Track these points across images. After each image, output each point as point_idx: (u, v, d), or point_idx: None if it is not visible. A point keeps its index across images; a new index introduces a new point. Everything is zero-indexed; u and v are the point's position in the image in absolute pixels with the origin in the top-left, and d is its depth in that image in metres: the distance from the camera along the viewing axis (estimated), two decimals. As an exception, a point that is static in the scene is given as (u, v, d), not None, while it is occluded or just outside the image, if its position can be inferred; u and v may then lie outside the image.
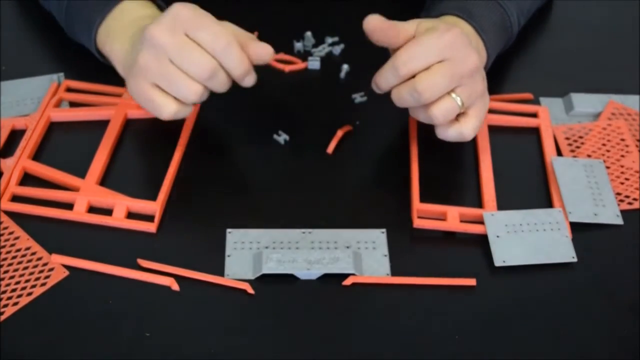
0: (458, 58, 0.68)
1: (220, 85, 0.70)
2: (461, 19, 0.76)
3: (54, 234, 0.69)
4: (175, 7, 0.68)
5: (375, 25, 0.70)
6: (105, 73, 0.83)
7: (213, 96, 0.81)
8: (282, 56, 0.87)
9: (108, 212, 0.71)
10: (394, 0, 0.94)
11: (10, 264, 0.66)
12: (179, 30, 0.67)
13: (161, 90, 0.69)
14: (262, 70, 0.86)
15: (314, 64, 0.86)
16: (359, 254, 0.68)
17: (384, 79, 0.70)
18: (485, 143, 0.78)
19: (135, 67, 0.70)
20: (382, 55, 0.88)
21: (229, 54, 0.68)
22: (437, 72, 0.68)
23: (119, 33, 0.76)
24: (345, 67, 0.86)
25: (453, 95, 0.69)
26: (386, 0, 0.94)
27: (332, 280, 0.66)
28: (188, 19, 0.67)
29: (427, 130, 0.79)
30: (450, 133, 0.71)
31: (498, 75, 0.87)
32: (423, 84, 0.68)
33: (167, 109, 0.70)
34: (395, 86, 0.70)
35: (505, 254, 0.68)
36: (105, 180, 0.74)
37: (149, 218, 0.70)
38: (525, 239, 0.69)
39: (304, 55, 0.88)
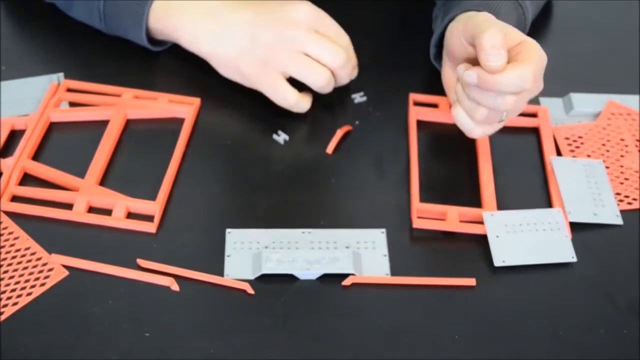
0: (539, 82, 0.69)
1: (346, 75, 0.78)
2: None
3: (54, 234, 0.69)
4: (303, 8, 0.76)
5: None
6: (105, 73, 0.83)
7: (213, 96, 0.82)
8: (282, 56, 0.87)
9: (108, 212, 0.71)
10: (393, 1, 0.94)
11: (10, 264, 0.66)
12: (311, 27, 0.76)
13: (286, 80, 0.77)
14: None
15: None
16: (359, 254, 0.68)
17: (509, 84, 0.66)
18: (485, 143, 0.78)
19: (263, 57, 0.77)
20: (381, 55, 0.88)
21: (351, 49, 0.79)
22: (526, 98, 0.69)
23: (182, 7, 0.78)
24: (345, 67, 0.86)
25: (504, 113, 0.69)
26: (385, 1, 0.94)
27: (332, 280, 0.66)
28: (316, 17, 0.77)
29: (427, 130, 0.79)
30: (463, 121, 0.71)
31: (498, 75, 0.87)
32: (515, 99, 0.67)
33: (291, 97, 0.77)
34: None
35: (505, 254, 0.68)
36: (105, 180, 0.74)
37: (149, 218, 0.70)
38: (524, 239, 0.69)
39: (304, 55, 0.87)
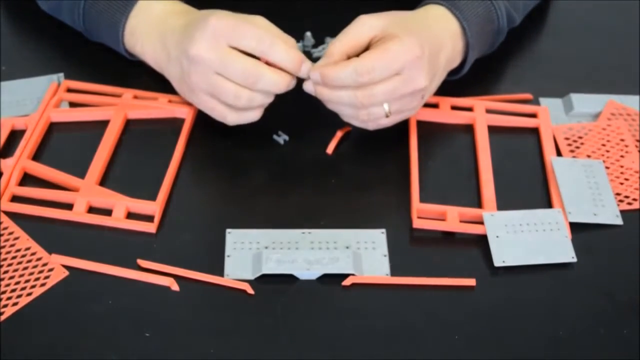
0: (408, 77, 0.70)
1: (272, 85, 0.71)
2: (444, 8, 0.77)
3: (54, 234, 0.69)
4: (212, 21, 0.70)
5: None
6: (105, 73, 0.83)
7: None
8: (282, 56, 0.87)
9: (108, 212, 0.71)
10: (391, 1, 0.94)
11: (10, 264, 0.66)
12: (221, 44, 0.70)
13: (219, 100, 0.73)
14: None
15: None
16: (359, 254, 0.68)
17: (338, 79, 0.70)
18: (485, 143, 0.78)
19: (189, 84, 0.73)
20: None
21: (276, 50, 0.71)
22: (383, 87, 0.70)
23: (144, 33, 0.78)
24: (345, 67, 0.85)
25: (385, 105, 0.71)
26: (382, 0, 0.94)
27: (332, 280, 0.66)
28: (227, 30, 0.70)
29: (427, 130, 0.79)
30: (356, 123, 0.74)
31: (498, 75, 0.87)
32: (365, 93, 0.70)
33: (229, 118, 0.74)
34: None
35: (505, 254, 0.68)
36: (105, 181, 0.74)
37: (149, 218, 0.70)
38: (524, 239, 0.69)
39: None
